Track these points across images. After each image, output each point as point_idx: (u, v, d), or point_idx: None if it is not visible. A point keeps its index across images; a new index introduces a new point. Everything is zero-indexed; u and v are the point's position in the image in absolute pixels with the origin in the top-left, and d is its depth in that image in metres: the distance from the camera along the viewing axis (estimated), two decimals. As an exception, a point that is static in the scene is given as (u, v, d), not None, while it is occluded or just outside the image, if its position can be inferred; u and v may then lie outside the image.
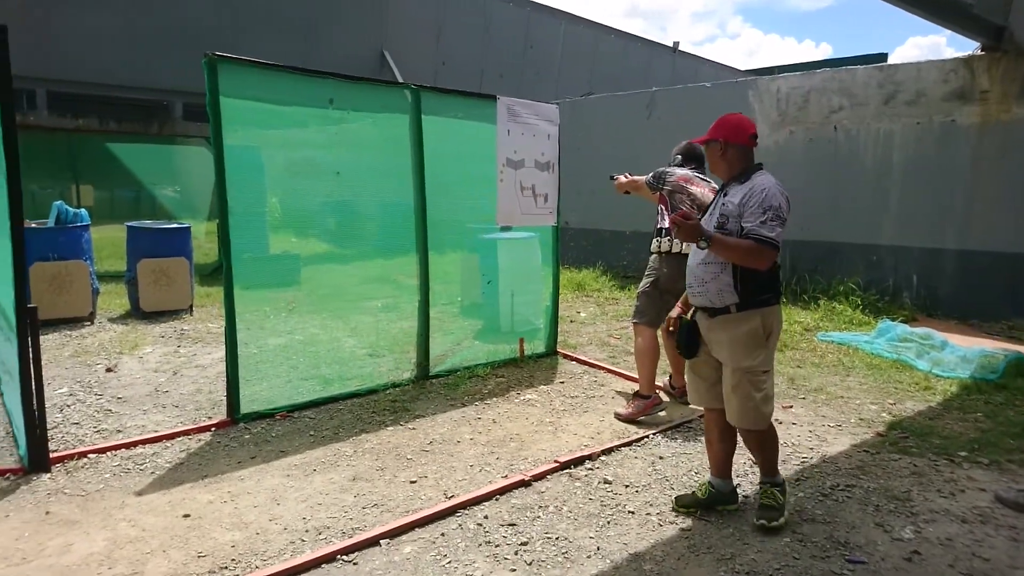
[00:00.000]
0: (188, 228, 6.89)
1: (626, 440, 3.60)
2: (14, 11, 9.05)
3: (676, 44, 23.69)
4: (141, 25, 9.91)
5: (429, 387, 4.58)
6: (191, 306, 6.77)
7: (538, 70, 16.14)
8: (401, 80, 12.31)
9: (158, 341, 5.68)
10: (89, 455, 3.28)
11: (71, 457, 3.23)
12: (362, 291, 5.37)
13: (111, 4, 9.59)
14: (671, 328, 2.87)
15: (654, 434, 3.71)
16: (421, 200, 4.56)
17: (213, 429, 3.69)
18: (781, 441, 3.05)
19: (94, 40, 9.56)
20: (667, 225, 3.92)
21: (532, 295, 5.95)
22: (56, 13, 9.28)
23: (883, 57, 40.36)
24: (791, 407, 4.23)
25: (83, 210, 6.33)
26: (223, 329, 6.16)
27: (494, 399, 4.38)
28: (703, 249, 2.56)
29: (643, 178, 4.18)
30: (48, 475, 3.06)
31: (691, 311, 2.79)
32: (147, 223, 7.01)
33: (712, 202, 2.81)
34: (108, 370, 4.80)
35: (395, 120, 4.42)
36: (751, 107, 8.12)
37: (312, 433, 3.69)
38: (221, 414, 3.91)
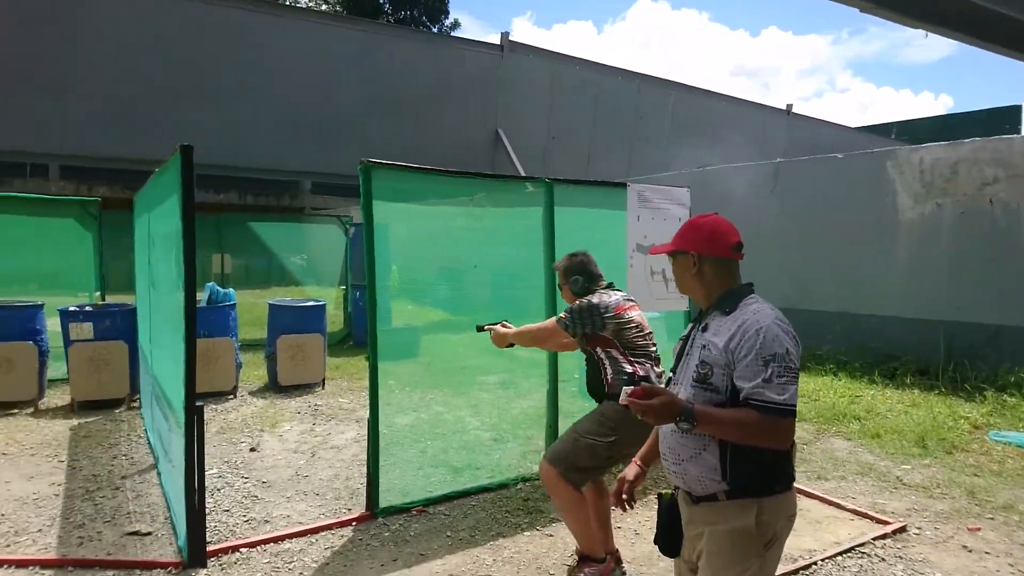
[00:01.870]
0: (323, 305, 7.26)
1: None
2: (170, 107, 10.20)
3: (790, 107, 23.14)
4: (281, 116, 10.86)
5: (561, 484, 4.40)
6: (323, 380, 7.07)
7: (648, 139, 16.17)
8: (514, 156, 12.73)
9: (295, 418, 5.91)
10: (241, 549, 3.36)
11: (225, 551, 3.32)
12: (479, 363, 5.39)
13: (257, 99, 10.60)
14: (624, 496, 2.08)
15: None
16: (552, 287, 4.54)
17: (353, 524, 3.71)
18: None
19: (237, 129, 10.58)
20: (631, 369, 2.97)
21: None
22: (208, 108, 10.36)
23: (1017, 110, 37.34)
24: (979, 529, 3.69)
25: (231, 290, 6.83)
26: (352, 404, 6.35)
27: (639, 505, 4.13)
28: (685, 431, 1.79)
29: (541, 325, 3.28)
30: (204, 571, 3.15)
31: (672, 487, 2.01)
32: (287, 300, 7.45)
33: (683, 341, 2.02)
34: (252, 450, 5.01)
35: (529, 212, 4.47)
36: (890, 178, 7.63)
37: (449, 534, 3.61)
38: (359, 504, 3.94)
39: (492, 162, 13.03)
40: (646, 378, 2.94)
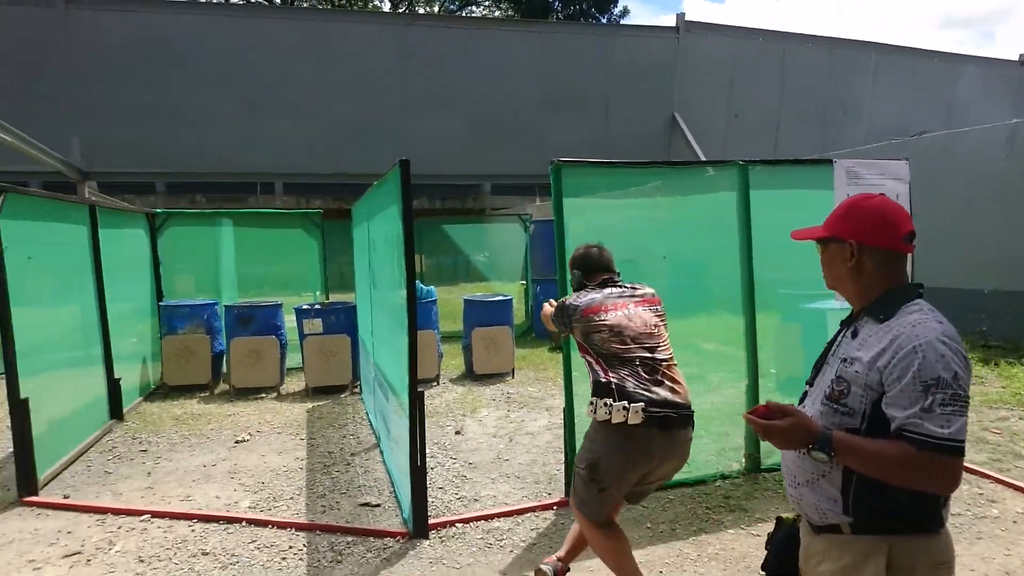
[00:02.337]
0: (511, 300, 7.62)
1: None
2: (376, 122, 11.23)
3: (1023, 56, 19.54)
4: (466, 123, 11.51)
5: (763, 483, 4.21)
6: (512, 370, 7.45)
7: (845, 110, 14.66)
8: (692, 140, 12.26)
9: (491, 404, 6.29)
10: (457, 524, 3.67)
11: (444, 525, 3.64)
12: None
13: (453, 109, 11.34)
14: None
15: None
16: (749, 277, 4.33)
17: (555, 508, 3.87)
18: None
19: (430, 138, 11.41)
20: (604, 378, 2.60)
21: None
22: (408, 121, 11.28)
23: None
24: None
25: (432, 287, 7.41)
26: (541, 393, 6.59)
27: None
28: (822, 462, 1.49)
29: (548, 309, 2.95)
30: (427, 542, 3.49)
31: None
32: (479, 296, 7.93)
33: (828, 349, 1.68)
34: (457, 433, 5.43)
35: (721, 198, 4.31)
36: None
37: (649, 525, 3.62)
38: (557, 490, 4.11)
39: (668, 148, 12.68)
40: (621, 387, 2.54)
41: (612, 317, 2.68)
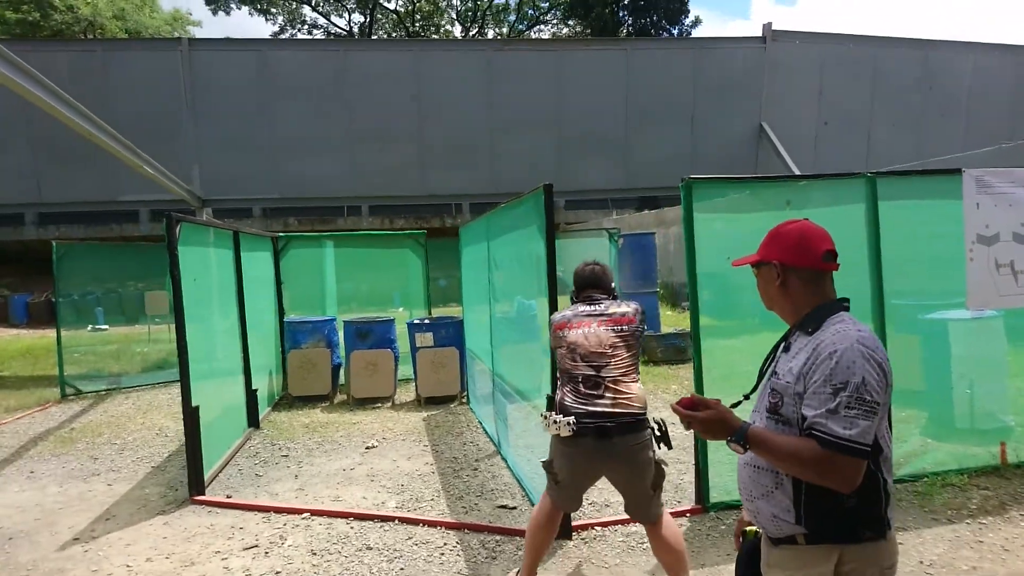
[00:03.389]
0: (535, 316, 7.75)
1: None
2: (466, 142, 11.64)
3: None
4: (557, 141, 11.79)
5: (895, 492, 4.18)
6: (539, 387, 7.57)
7: (942, 113, 14.08)
8: (782, 149, 12.09)
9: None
10: (596, 527, 3.84)
11: (584, 528, 3.82)
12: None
13: (539, 129, 11.66)
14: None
15: None
16: (878, 289, 4.34)
17: (688, 515, 3.98)
18: None
19: (520, 157, 11.75)
20: (556, 393, 2.90)
21: (997, 387, 5.06)
22: (498, 140, 11.65)
23: None
24: None
25: (534, 302, 7.64)
26: (653, 401, 6.66)
27: (989, 518, 3.77)
28: (739, 453, 1.62)
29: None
30: (572, 543, 3.67)
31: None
32: (511, 312, 8.11)
33: (764, 364, 1.81)
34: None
35: (848, 210, 4.34)
36: None
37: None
38: (685, 497, 4.22)
39: (756, 158, 12.54)
40: (562, 402, 2.84)
41: (572, 335, 2.90)
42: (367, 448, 5.73)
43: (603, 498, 4.33)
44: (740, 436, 1.56)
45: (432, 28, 42.21)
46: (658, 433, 2.47)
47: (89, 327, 17.39)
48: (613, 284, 3.17)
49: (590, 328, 2.90)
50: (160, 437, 6.41)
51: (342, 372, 7.79)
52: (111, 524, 4.26)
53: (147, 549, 3.84)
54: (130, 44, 11.11)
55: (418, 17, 42.01)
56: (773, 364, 1.75)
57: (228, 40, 10.88)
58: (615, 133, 12.04)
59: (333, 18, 40.96)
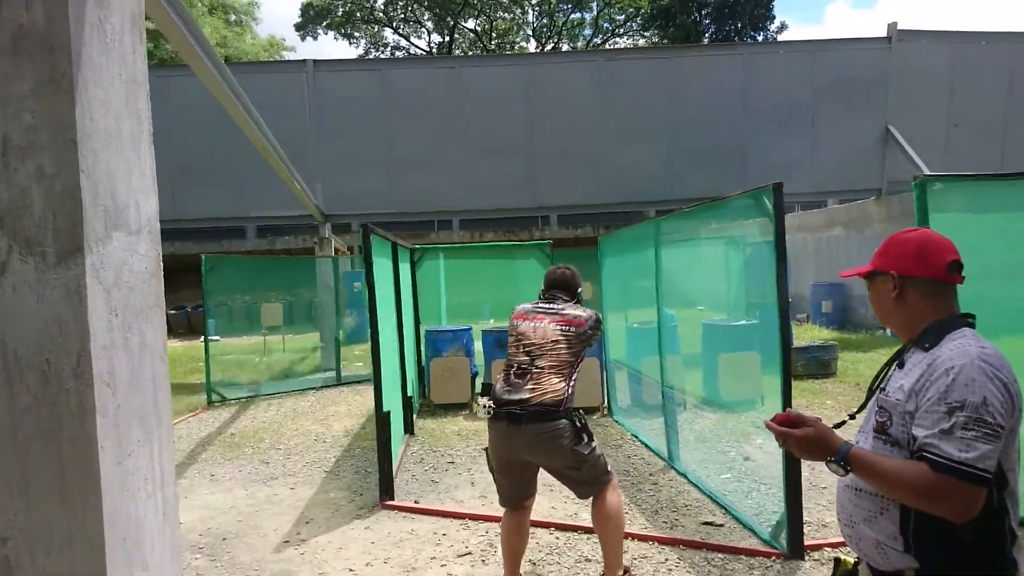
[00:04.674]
0: (756, 324, 7.47)
1: None
2: (577, 153, 11.60)
3: None
4: (670, 150, 11.60)
5: None
6: (762, 397, 7.26)
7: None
8: (912, 152, 11.46)
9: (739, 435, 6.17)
10: (825, 548, 3.61)
11: (815, 548, 3.60)
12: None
13: (652, 137, 11.50)
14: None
15: None
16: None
17: (776, 558, 3.69)
18: None
19: (633, 166, 11.61)
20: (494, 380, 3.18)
21: None
22: (610, 149, 11.56)
23: None
24: None
25: (673, 311, 7.46)
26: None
27: None
28: (839, 475, 1.48)
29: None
30: (807, 563, 3.46)
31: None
32: (723, 320, 7.86)
33: (877, 379, 1.63)
34: (745, 459, 5.37)
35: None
36: None
37: None
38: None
39: (883, 162, 11.93)
40: (492, 387, 3.09)
41: (523, 326, 3.15)
42: (530, 458, 5.66)
43: (818, 518, 4.09)
44: (841, 457, 1.45)
45: (508, 46, 42.79)
46: (578, 425, 3.08)
47: (202, 338, 18.35)
48: (580, 289, 3.38)
49: (541, 323, 3.12)
50: (319, 443, 6.56)
51: (477, 381, 7.80)
52: (313, 528, 4.34)
53: (361, 554, 3.87)
54: (260, 67, 11.70)
55: (494, 35, 42.71)
56: (884, 381, 1.60)
57: (350, 61, 11.28)
58: (730, 140, 11.72)
59: (413, 39, 42.17)
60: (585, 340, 3.12)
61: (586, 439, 3.11)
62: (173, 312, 19.26)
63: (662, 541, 3.83)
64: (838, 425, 1.65)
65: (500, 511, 4.38)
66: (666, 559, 3.61)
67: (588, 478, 3.13)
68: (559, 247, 9.07)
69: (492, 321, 8.77)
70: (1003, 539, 1.40)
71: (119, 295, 1.97)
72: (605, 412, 7.15)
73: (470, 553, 3.80)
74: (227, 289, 9.45)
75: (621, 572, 3.21)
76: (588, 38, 42.61)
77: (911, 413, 1.44)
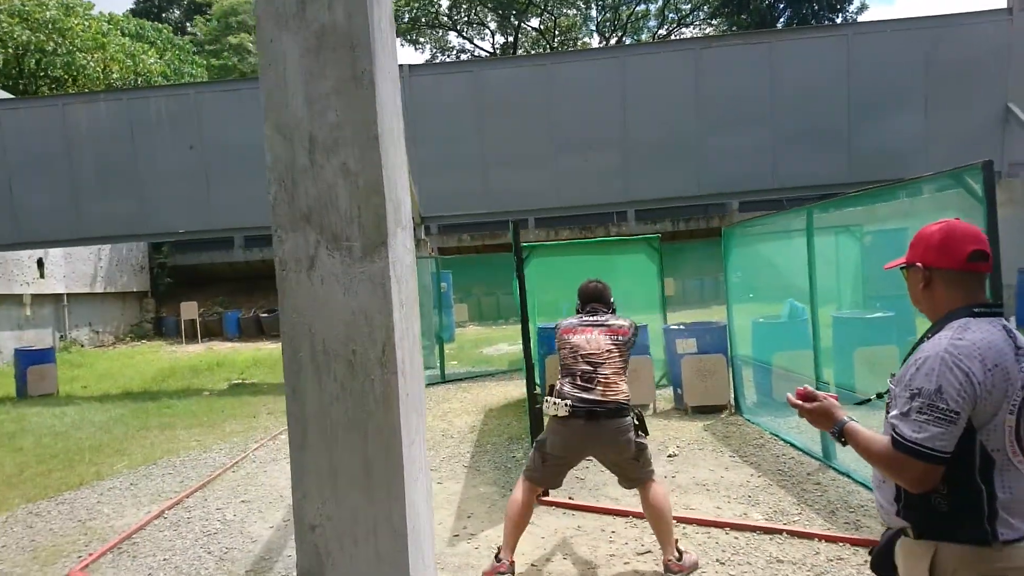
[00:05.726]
0: (892, 316, 7.12)
1: None
2: (673, 144, 11.38)
3: None
4: (770, 137, 11.23)
5: None
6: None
7: None
8: (1035, 132, 10.69)
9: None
10: None
11: None
12: None
13: (751, 125, 11.18)
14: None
15: None
16: None
17: None
18: None
19: (731, 155, 11.30)
20: (556, 383, 3.51)
21: None
22: (707, 139, 11.30)
23: None
24: None
25: (804, 306, 7.19)
26: None
27: None
28: (840, 444, 1.76)
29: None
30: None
31: None
32: (854, 313, 7.54)
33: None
34: None
35: None
36: None
37: None
38: None
39: (1002, 142, 11.20)
40: (560, 390, 3.42)
41: (575, 339, 3.52)
42: (669, 456, 5.57)
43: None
44: (838, 429, 1.72)
45: (571, 42, 42.62)
46: (636, 422, 3.48)
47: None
48: (612, 299, 3.77)
49: (591, 335, 3.52)
50: (447, 438, 6.64)
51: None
52: (476, 522, 4.37)
53: (534, 549, 3.86)
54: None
55: (557, 33, 42.60)
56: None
57: (444, 64, 11.38)
58: (834, 124, 11.24)
59: (477, 41, 42.50)
60: (630, 346, 3.57)
61: (643, 434, 3.50)
62: (265, 316, 20.00)
63: (854, 542, 3.66)
64: (862, 402, 2.09)
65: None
66: (864, 560, 3.45)
67: (641, 468, 3.44)
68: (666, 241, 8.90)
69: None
70: (979, 513, 1.56)
71: (402, 288, 2.00)
72: (733, 410, 6.96)
73: (650, 552, 3.73)
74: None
75: (676, 554, 3.43)
76: (653, 30, 41.96)
77: (896, 396, 1.64)
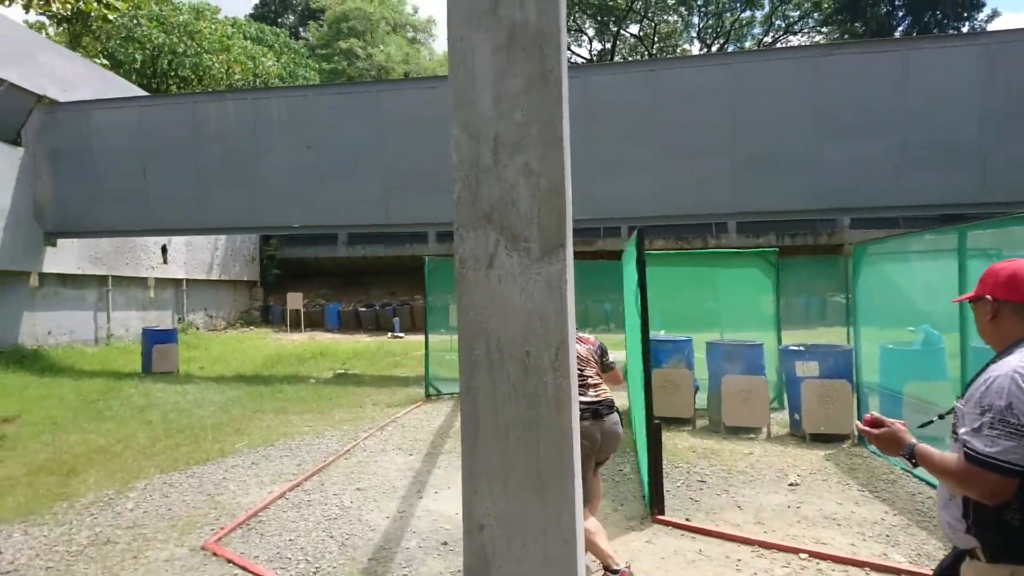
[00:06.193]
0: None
1: None
2: (788, 153, 10.86)
3: None
4: (901, 145, 10.52)
5: None
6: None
7: None
8: None
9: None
10: None
11: None
12: None
13: (875, 132, 10.52)
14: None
15: None
16: None
17: None
18: None
19: (850, 166, 10.65)
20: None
21: None
22: (824, 149, 10.71)
23: None
24: None
25: (941, 334, 6.64)
26: None
27: None
28: (910, 467, 1.82)
29: None
30: None
31: None
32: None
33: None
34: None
35: None
36: None
37: None
38: None
39: None
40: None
41: (578, 349, 3.74)
42: (790, 485, 5.26)
43: None
44: (908, 451, 1.79)
45: (670, 49, 41.82)
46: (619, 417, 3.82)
47: (389, 335, 19.60)
48: None
49: (583, 347, 3.92)
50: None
51: (697, 396, 7.47)
52: (590, 534, 4.27)
53: (657, 569, 3.73)
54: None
55: (656, 39, 41.91)
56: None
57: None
58: (968, 139, 10.37)
59: (574, 48, 42.44)
60: (603, 353, 4.01)
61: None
62: (364, 310, 20.74)
63: None
64: (925, 424, 2.16)
65: (794, 541, 4.11)
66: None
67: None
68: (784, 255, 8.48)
69: (718, 334, 8.36)
70: None
71: (570, 292, 1.96)
72: (855, 441, 6.50)
73: (786, 584, 3.52)
74: (445, 289, 9.86)
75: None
76: (758, 37, 40.45)
77: (964, 415, 1.72)
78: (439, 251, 21.13)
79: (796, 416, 6.71)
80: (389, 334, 19.43)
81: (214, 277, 20.57)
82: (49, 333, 14.29)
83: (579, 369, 3.65)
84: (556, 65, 1.85)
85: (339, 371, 12.39)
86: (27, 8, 11.89)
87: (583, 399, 3.64)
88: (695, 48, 42.12)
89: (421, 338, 14.30)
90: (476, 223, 1.89)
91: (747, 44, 41.32)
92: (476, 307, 1.90)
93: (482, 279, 1.88)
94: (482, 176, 1.89)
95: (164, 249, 18.21)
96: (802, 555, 3.87)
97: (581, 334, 4.00)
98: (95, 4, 13.33)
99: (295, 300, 20.01)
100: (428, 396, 9.28)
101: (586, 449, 3.52)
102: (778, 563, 3.79)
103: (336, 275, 23.55)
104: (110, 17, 14.06)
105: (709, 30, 41.80)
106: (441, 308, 10.44)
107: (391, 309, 20.38)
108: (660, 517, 4.46)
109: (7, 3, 11.71)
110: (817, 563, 3.77)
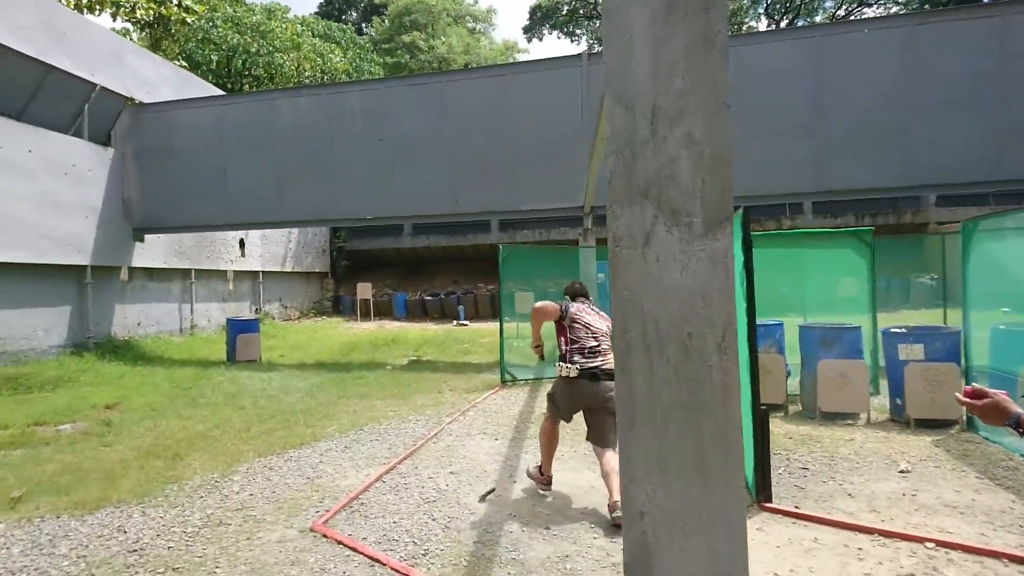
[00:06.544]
0: None
1: None
2: (876, 129, 10.28)
3: None
4: (987, 124, 9.82)
5: None
6: None
7: None
8: None
9: None
10: None
11: None
12: None
13: (965, 110, 9.86)
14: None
15: None
16: None
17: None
18: None
19: (939, 142, 10.01)
20: (564, 351, 4.52)
21: None
22: (913, 124, 10.10)
23: None
24: None
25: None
26: None
27: None
28: (1017, 436, 1.85)
29: (555, 305, 4.62)
30: None
31: None
32: None
33: None
34: None
35: None
36: None
37: None
38: None
39: None
40: (571, 357, 4.46)
41: (587, 319, 4.55)
42: (901, 471, 5.00)
43: None
44: (1014, 420, 1.86)
45: (735, 27, 40.38)
46: None
47: (454, 322, 19.78)
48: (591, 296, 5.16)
49: (596, 317, 4.61)
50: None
51: (789, 381, 7.20)
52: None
53: (774, 558, 3.60)
54: (531, 65, 12.07)
55: (720, 16, 40.45)
56: None
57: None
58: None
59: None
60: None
61: None
62: (429, 299, 21.01)
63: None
64: None
65: (916, 530, 3.89)
66: None
67: (614, 431, 4.18)
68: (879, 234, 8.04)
69: (805, 318, 8.03)
70: None
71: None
72: (964, 426, 6.13)
73: (912, 575, 3.33)
74: (517, 276, 9.85)
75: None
76: (830, 11, 38.50)
77: None
78: (501, 240, 21.16)
79: (898, 401, 6.38)
80: (454, 322, 19.62)
81: (288, 269, 21.24)
82: (139, 324, 15.07)
83: (594, 338, 4.46)
84: (723, 27, 1.74)
85: (412, 358, 12.58)
86: (115, 16, 12.47)
87: (589, 364, 4.38)
88: (762, 25, 40.54)
89: (486, 325, 14.34)
90: (632, 199, 1.82)
91: (818, 19, 39.48)
92: (630, 287, 1.83)
93: (637, 258, 1.81)
94: (638, 150, 1.81)
95: (242, 243, 18.90)
96: (927, 544, 3.66)
97: (602, 312, 4.73)
98: (175, 8, 13.89)
99: (364, 290, 20.44)
100: (504, 382, 9.30)
101: (563, 399, 4.50)
102: (903, 552, 3.60)
103: (400, 265, 23.93)
104: (188, 20, 14.61)
105: (778, 6, 40.12)
106: (508, 296, 10.43)
107: (456, 297, 20.57)
108: (767, 505, 4.31)
109: (97, 12, 12.31)
110: (947, 553, 3.56)
